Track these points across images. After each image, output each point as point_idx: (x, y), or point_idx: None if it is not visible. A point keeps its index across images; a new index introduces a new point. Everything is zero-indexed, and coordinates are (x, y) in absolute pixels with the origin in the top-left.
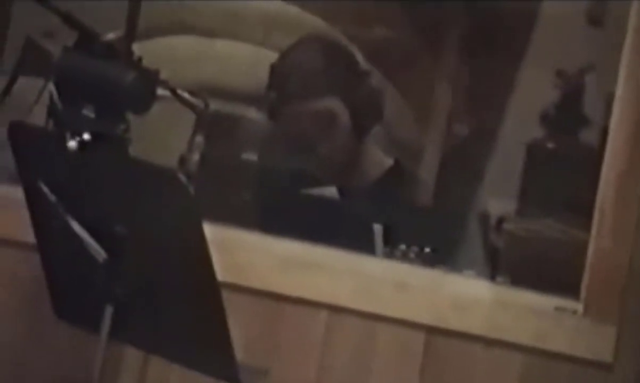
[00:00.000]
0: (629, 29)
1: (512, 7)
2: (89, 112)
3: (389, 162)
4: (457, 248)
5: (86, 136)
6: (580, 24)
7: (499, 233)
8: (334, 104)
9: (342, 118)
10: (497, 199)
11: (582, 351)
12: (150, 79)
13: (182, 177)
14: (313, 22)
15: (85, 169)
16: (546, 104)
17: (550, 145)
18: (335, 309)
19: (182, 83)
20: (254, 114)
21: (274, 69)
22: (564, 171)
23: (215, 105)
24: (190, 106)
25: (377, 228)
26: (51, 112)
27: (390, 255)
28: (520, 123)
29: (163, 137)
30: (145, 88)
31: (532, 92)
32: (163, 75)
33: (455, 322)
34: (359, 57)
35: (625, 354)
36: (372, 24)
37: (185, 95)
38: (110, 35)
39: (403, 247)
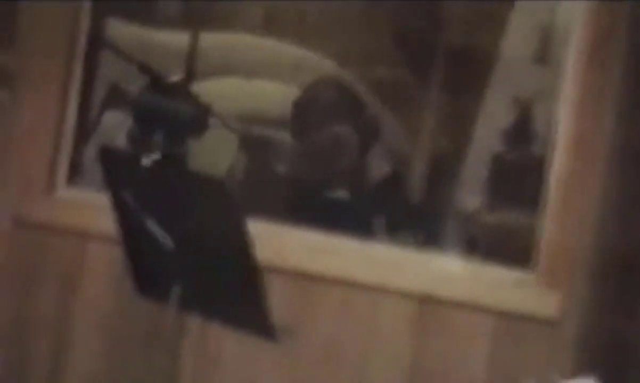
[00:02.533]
0: (566, 66)
1: (479, 49)
2: (158, 138)
3: (387, 170)
4: (441, 235)
5: (157, 156)
6: (529, 63)
7: (473, 223)
8: (343, 129)
9: (350, 139)
10: (471, 197)
11: (536, 311)
12: (205, 111)
13: (229, 185)
14: (328, 65)
15: (156, 181)
16: (505, 124)
17: (509, 156)
18: (348, 283)
19: (229, 113)
20: (284, 136)
21: (296, 103)
22: (521, 175)
23: (254, 130)
24: (235, 131)
25: (379, 220)
26: (130, 137)
27: (389, 240)
28: (487, 139)
29: (215, 155)
30: (201, 118)
31: (495, 115)
32: (215, 108)
33: (441, 292)
34: (361, 91)
35: (568, 313)
36: (375, 65)
37: (231, 123)
38: (174, 78)
39: (399, 234)
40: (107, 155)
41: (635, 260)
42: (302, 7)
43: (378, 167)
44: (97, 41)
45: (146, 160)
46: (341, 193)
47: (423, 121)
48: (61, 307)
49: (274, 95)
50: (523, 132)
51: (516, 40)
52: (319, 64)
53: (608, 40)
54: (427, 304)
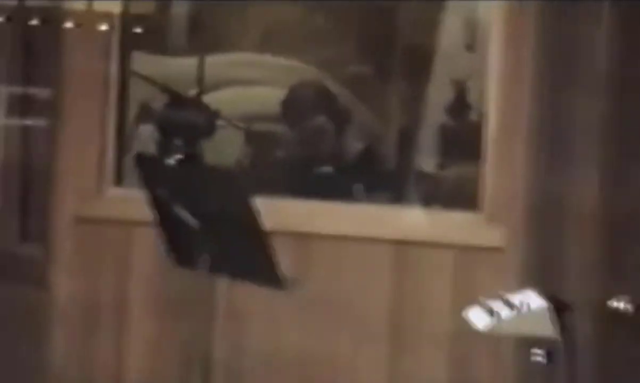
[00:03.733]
0: (490, 52)
1: (422, 44)
2: (178, 142)
3: (361, 146)
4: (407, 192)
5: (178, 156)
6: (461, 50)
7: (431, 180)
8: (321, 120)
9: (328, 127)
10: (428, 159)
11: (486, 243)
12: (213, 117)
13: (237, 172)
14: (309, 70)
15: (180, 176)
16: (447, 100)
17: (452, 124)
18: (338, 237)
19: (235, 116)
20: (279, 128)
21: (283, 102)
22: (462, 138)
23: (255, 126)
24: (241, 129)
25: (358, 186)
26: (157, 143)
27: (367, 201)
28: (435, 113)
29: (227, 149)
30: (209, 123)
31: (439, 93)
32: (223, 113)
33: (411, 236)
34: (332, 88)
35: (511, 242)
36: (345, 65)
37: (237, 123)
38: (190, 92)
39: (375, 195)
40: (141, 160)
41: (558, 196)
42: (287, 25)
43: (353, 145)
44: (125, 70)
45: (171, 161)
46: (326, 169)
47: (386, 105)
48: (118, 283)
49: (269, 98)
50: (461, 105)
51: (449, 34)
52: (302, 70)
53: (520, 30)
54: (401, 247)
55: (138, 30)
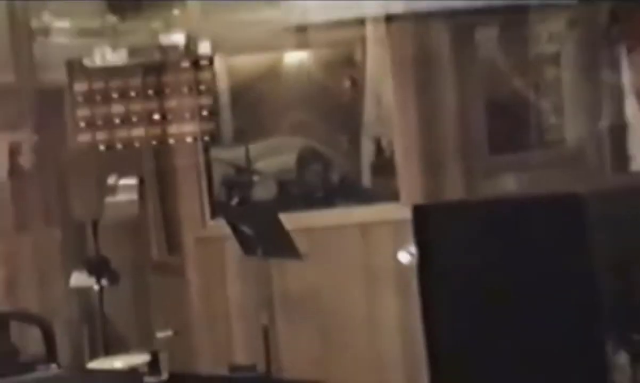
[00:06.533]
0: (393, 120)
1: (355, 117)
2: (235, 192)
3: (336, 179)
4: (363, 197)
5: (236, 200)
6: (374, 117)
7: (373, 190)
8: (315, 166)
9: (319, 170)
10: (368, 180)
11: (405, 218)
12: (258, 174)
13: (269, 203)
14: (309, 141)
15: (239, 210)
16: (373, 146)
17: (376, 161)
18: (328, 228)
19: (272, 172)
20: (293, 175)
21: (298, 157)
22: (384, 167)
23: (282, 176)
24: (273, 179)
25: (336, 199)
26: (227, 195)
27: (345, 206)
28: (368, 155)
29: (269, 190)
30: (250, 181)
31: (367, 144)
32: (265, 172)
33: (367, 219)
34: (322, 149)
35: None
36: (327, 135)
37: (271, 176)
38: (243, 165)
39: (346, 202)
40: (220, 205)
41: (439, 187)
42: (299, 120)
43: (333, 178)
44: (208, 158)
45: (233, 203)
46: (319, 192)
47: (346, 154)
48: (220, 270)
49: (291, 160)
50: (379, 150)
51: (367, 110)
52: (307, 142)
53: (408, 102)
54: (364, 227)
55: (207, 138)
